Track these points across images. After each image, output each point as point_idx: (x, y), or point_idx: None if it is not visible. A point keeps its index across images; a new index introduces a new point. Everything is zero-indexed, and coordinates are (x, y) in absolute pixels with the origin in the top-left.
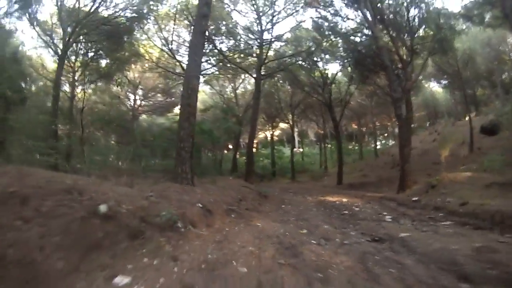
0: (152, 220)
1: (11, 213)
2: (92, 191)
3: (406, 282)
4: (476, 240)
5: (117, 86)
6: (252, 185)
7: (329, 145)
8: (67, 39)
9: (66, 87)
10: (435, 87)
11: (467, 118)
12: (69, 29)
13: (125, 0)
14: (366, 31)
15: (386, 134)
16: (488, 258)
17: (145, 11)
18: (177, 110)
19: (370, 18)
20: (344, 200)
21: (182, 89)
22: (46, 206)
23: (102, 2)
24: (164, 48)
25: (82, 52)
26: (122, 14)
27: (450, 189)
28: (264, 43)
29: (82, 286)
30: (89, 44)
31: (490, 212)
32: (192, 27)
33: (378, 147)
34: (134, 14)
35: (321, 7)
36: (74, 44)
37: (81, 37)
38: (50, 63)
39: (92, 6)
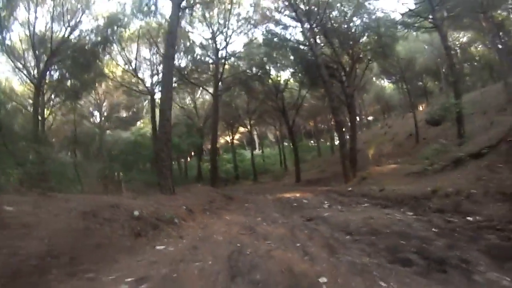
0: (161, 218)
1: (90, 222)
2: (124, 204)
3: (312, 236)
4: (371, 214)
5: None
6: (218, 189)
7: (288, 145)
8: (41, 66)
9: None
10: (386, 83)
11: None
12: (43, 57)
13: (92, 25)
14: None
15: (344, 129)
16: (367, 223)
17: (110, 35)
18: (139, 124)
19: (308, 33)
20: (298, 195)
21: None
22: (107, 215)
23: (72, 29)
24: (126, 67)
25: (52, 75)
26: (89, 38)
27: (376, 179)
28: (220, 60)
29: (142, 251)
30: (63, 70)
31: (397, 195)
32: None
33: (336, 143)
34: (99, 39)
35: (271, 23)
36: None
37: (54, 65)
38: (16, 85)
39: (64, 33)
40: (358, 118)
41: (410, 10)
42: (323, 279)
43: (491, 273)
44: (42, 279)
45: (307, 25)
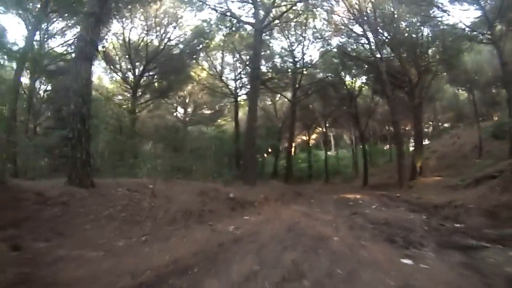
0: (246, 201)
1: (203, 198)
2: (222, 189)
3: (347, 222)
4: (397, 214)
5: None
6: (291, 186)
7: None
8: (136, 71)
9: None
10: (459, 91)
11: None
12: (138, 63)
13: (180, 36)
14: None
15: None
16: (388, 218)
17: (196, 45)
18: (220, 121)
19: (374, 47)
20: (358, 196)
21: (246, 127)
22: (213, 195)
23: (167, 41)
24: (211, 72)
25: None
26: (178, 48)
27: (420, 189)
28: (297, 69)
29: (236, 218)
30: (154, 74)
31: (425, 203)
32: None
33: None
34: (187, 49)
35: (343, 36)
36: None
37: (149, 71)
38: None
39: (159, 44)
40: (430, 127)
41: (465, 26)
42: (336, 238)
43: (429, 253)
44: (185, 223)
45: (373, 39)
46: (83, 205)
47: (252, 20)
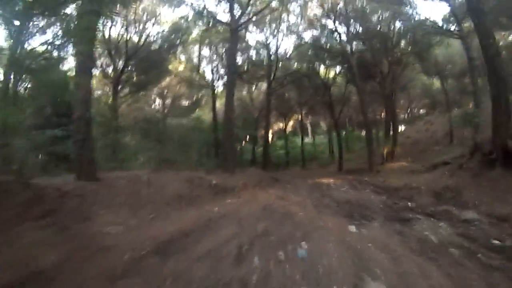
0: (227, 187)
1: (190, 184)
2: (205, 177)
3: (315, 203)
4: (361, 195)
5: None
6: (268, 172)
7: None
8: (119, 69)
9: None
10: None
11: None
12: (117, 59)
13: (160, 32)
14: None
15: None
16: (352, 198)
17: (174, 39)
18: (197, 112)
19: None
20: (331, 181)
21: (224, 118)
22: (197, 182)
23: (146, 37)
24: (188, 64)
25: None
26: (156, 43)
27: (386, 174)
28: (272, 61)
29: (219, 201)
30: (133, 68)
31: (388, 186)
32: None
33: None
34: (165, 44)
35: (317, 29)
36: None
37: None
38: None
39: (138, 40)
40: (406, 114)
41: (434, 21)
42: (301, 213)
43: (375, 224)
44: (179, 205)
45: (345, 32)
46: (95, 196)
47: (228, 19)
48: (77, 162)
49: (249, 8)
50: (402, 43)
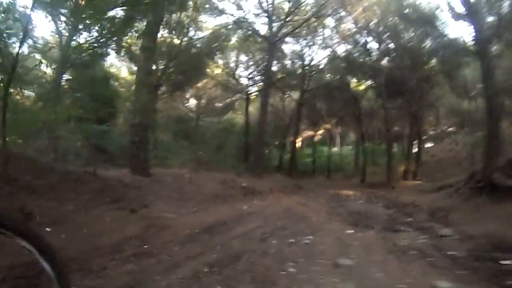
0: (255, 189)
1: (223, 185)
2: (236, 179)
3: (331, 213)
4: (372, 208)
5: None
6: (293, 180)
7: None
8: (159, 73)
9: None
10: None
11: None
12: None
13: (201, 37)
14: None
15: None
16: (362, 210)
17: (214, 46)
18: (230, 114)
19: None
20: (350, 193)
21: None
22: (230, 183)
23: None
24: (226, 69)
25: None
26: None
27: (400, 190)
28: (305, 72)
29: (248, 201)
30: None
31: (399, 202)
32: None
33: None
34: (205, 50)
35: (350, 43)
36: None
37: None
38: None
39: (180, 43)
40: (433, 131)
41: (463, 43)
42: (314, 218)
43: (372, 231)
44: (215, 202)
45: (377, 49)
46: (150, 188)
47: (267, 31)
48: (134, 159)
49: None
50: (432, 61)
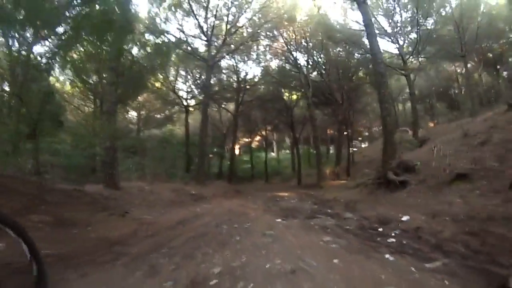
0: (202, 195)
1: (176, 193)
2: (185, 187)
3: (266, 210)
4: (300, 205)
5: None
6: (233, 185)
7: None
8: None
9: None
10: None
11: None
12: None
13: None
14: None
15: (360, 138)
16: (290, 207)
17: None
18: (169, 126)
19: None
20: (286, 194)
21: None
22: (181, 192)
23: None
24: (165, 84)
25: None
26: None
27: (327, 189)
28: (240, 85)
29: (197, 205)
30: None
31: (325, 199)
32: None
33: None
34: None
35: (282, 59)
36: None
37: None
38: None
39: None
40: (367, 133)
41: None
42: (252, 214)
43: (296, 220)
44: (174, 206)
45: (305, 65)
46: (124, 199)
47: (205, 53)
48: (107, 176)
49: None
50: (360, 73)
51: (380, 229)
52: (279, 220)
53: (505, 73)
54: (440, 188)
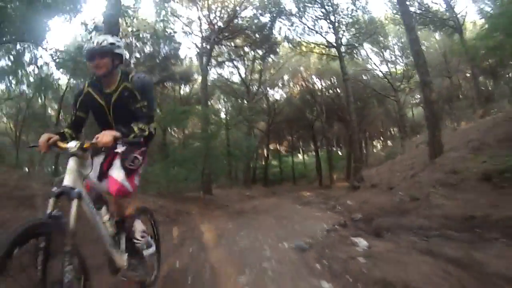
0: (253, 196)
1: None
2: (241, 191)
3: (293, 202)
4: (314, 199)
5: None
6: (269, 188)
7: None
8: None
9: None
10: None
11: None
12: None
13: None
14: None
15: (382, 138)
16: (309, 200)
17: None
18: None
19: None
20: (308, 193)
21: None
22: (240, 193)
23: None
24: None
25: None
26: None
27: (334, 189)
28: (271, 109)
29: (253, 201)
30: None
31: (330, 195)
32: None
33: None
34: None
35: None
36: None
37: None
38: None
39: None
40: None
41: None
42: (285, 204)
43: (310, 207)
44: (240, 200)
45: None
46: (216, 199)
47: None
48: (204, 185)
49: None
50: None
51: (339, 207)
52: (300, 206)
53: None
54: (370, 190)
